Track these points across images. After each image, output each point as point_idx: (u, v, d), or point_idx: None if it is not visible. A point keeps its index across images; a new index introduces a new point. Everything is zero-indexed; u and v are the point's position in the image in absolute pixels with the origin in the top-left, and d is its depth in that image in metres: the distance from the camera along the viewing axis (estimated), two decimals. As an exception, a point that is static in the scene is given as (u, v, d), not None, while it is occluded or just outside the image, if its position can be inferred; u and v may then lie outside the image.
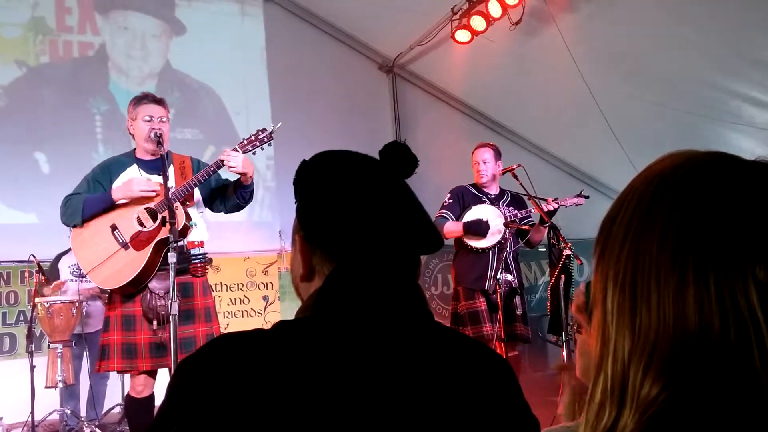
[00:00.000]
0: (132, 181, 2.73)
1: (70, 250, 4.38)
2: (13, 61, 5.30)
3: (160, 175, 2.69)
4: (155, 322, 2.71)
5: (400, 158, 0.86)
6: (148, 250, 2.70)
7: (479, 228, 3.72)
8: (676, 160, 0.55)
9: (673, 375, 0.49)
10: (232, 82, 6.02)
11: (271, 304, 5.72)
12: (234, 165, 2.71)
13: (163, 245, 2.71)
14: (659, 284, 0.50)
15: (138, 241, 2.73)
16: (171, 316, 2.44)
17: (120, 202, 2.77)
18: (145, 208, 2.75)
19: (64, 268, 4.43)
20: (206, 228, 2.94)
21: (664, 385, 0.49)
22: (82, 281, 4.27)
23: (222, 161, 2.73)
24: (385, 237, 0.81)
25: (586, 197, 3.84)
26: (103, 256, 2.75)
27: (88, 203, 2.74)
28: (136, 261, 2.71)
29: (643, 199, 0.54)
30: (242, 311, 5.62)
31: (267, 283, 5.74)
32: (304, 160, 0.87)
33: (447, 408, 0.73)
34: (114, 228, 2.76)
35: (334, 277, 0.79)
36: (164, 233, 2.68)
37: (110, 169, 2.86)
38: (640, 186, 0.55)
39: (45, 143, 5.27)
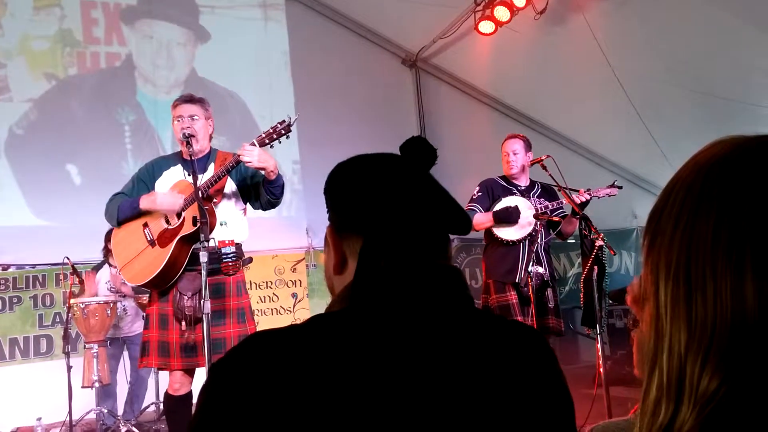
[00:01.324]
0: (156, 194, 2.78)
1: (104, 263, 4.48)
2: (42, 74, 5.39)
3: (192, 174, 2.71)
4: (184, 323, 2.75)
5: (420, 151, 0.88)
6: (171, 245, 2.74)
7: (509, 215, 3.66)
8: (724, 148, 0.53)
9: (733, 368, 0.47)
10: (256, 86, 6.05)
11: (299, 301, 5.75)
12: (249, 159, 2.66)
13: (187, 241, 2.74)
14: (715, 274, 0.49)
15: (163, 238, 2.78)
16: (204, 316, 2.46)
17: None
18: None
19: (102, 283, 4.50)
20: (246, 227, 2.96)
21: (724, 379, 0.47)
22: (119, 296, 4.34)
23: (239, 157, 2.71)
24: (411, 211, 0.82)
25: (619, 188, 3.76)
26: (133, 254, 2.83)
27: (122, 208, 2.83)
28: (160, 257, 2.75)
29: (693, 187, 0.52)
30: (271, 309, 5.67)
31: (295, 281, 5.78)
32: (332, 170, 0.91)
33: (491, 395, 0.73)
34: (145, 226, 2.84)
35: (366, 258, 0.78)
36: (187, 229, 2.71)
37: (154, 168, 2.94)
38: (689, 175, 0.54)
39: (76, 155, 5.36)
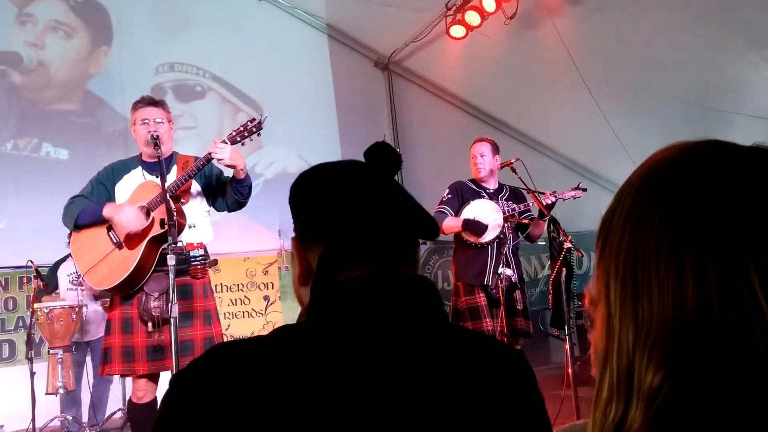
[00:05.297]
0: (124, 208, 2.72)
1: (68, 257, 4.37)
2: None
3: (160, 175, 2.67)
4: (150, 325, 2.70)
5: (384, 157, 0.86)
6: (141, 247, 2.69)
7: (477, 228, 3.71)
8: (671, 152, 0.55)
9: (675, 362, 0.49)
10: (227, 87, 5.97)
11: (272, 304, 5.70)
12: (221, 157, 2.68)
13: (156, 243, 2.70)
14: (659, 274, 0.50)
15: (132, 239, 2.72)
16: (171, 319, 2.42)
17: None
18: (139, 207, 2.74)
19: (63, 277, 4.39)
20: (211, 228, 2.92)
21: (666, 374, 0.49)
22: (81, 289, 4.24)
23: (210, 154, 2.70)
24: (372, 218, 0.79)
25: (584, 190, 3.83)
26: (98, 257, 2.75)
27: (83, 214, 2.76)
28: (129, 259, 2.70)
29: (640, 192, 0.54)
30: (243, 312, 5.61)
31: (267, 283, 5.73)
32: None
33: (458, 409, 0.71)
34: (109, 229, 2.77)
35: (324, 267, 0.76)
36: (156, 230, 2.67)
37: (114, 171, 2.87)
38: (637, 179, 0.56)
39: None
